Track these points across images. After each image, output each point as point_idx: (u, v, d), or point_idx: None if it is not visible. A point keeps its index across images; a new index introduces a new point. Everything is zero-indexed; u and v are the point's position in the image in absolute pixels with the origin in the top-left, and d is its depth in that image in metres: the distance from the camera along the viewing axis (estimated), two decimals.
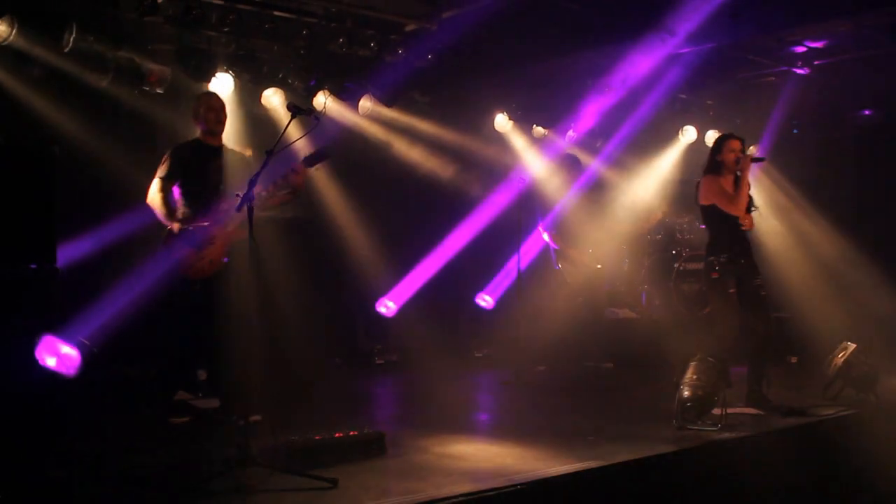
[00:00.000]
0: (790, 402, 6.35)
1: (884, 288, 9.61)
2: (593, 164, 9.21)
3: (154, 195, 5.57)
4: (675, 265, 9.54)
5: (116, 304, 6.83)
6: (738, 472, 5.22)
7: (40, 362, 4.67)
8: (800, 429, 5.81)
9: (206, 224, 5.47)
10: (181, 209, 5.68)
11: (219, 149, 5.72)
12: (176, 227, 5.54)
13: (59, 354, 4.86)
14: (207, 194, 5.54)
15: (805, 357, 9.04)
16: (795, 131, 11.11)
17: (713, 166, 6.43)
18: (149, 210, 5.85)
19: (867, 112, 10.41)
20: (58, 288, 4.92)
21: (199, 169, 5.60)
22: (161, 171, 5.62)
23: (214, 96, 5.91)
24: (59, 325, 5.04)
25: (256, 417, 5.23)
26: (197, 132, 5.79)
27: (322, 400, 6.67)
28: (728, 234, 6.36)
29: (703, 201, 6.41)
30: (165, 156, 5.70)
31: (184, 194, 5.59)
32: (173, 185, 5.61)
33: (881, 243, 9.84)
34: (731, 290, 6.30)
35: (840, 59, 9.40)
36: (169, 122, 8.25)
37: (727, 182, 6.38)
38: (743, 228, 6.39)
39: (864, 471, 5.74)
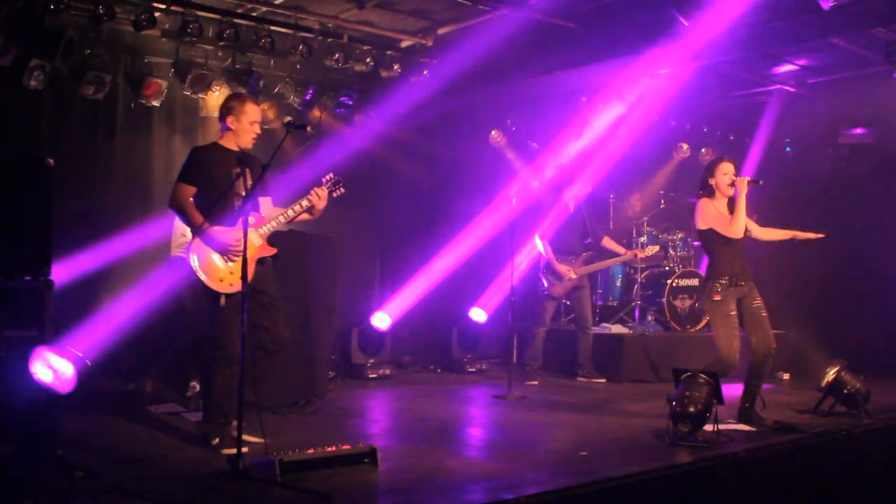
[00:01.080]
0: (782, 419, 6.38)
1: (875, 305, 9.66)
2: (586, 179, 9.23)
3: (178, 199, 5.28)
4: (668, 281, 9.58)
5: (115, 317, 6.81)
6: (730, 489, 5.23)
7: (34, 377, 4.65)
8: (791, 445, 5.82)
9: (231, 229, 5.19)
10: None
11: (243, 155, 5.38)
12: (206, 227, 5.21)
13: (53, 369, 4.84)
14: (228, 201, 5.26)
15: (797, 373, 9.10)
16: (788, 149, 11.17)
17: (707, 189, 6.43)
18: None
19: (859, 130, 10.46)
20: (52, 300, 4.91)
21: (222, 174, 5.25)
22: (184, 175, 5.33)
23: (256, 107, 5.54)
24: (54, 339, 5.03)
25: (230, 451, 4.94)
26: (220, 135, 5.46)
27: (315, 414, 6.66)
28: (728, 257, 6.33)
29: (701, 225, 6.39)
30: (187, 158, 5.43)
31: (204, 200, 5.28)
32: (195, 188, 5.29)
33: (872, 261, 9.88)
34: (733, 313, 6.26)
35: (833, 77, 9.47)
36: (165, 135, 8.28)
37: (721, 205, 6.40)
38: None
39: (855, 487, 5.76)
